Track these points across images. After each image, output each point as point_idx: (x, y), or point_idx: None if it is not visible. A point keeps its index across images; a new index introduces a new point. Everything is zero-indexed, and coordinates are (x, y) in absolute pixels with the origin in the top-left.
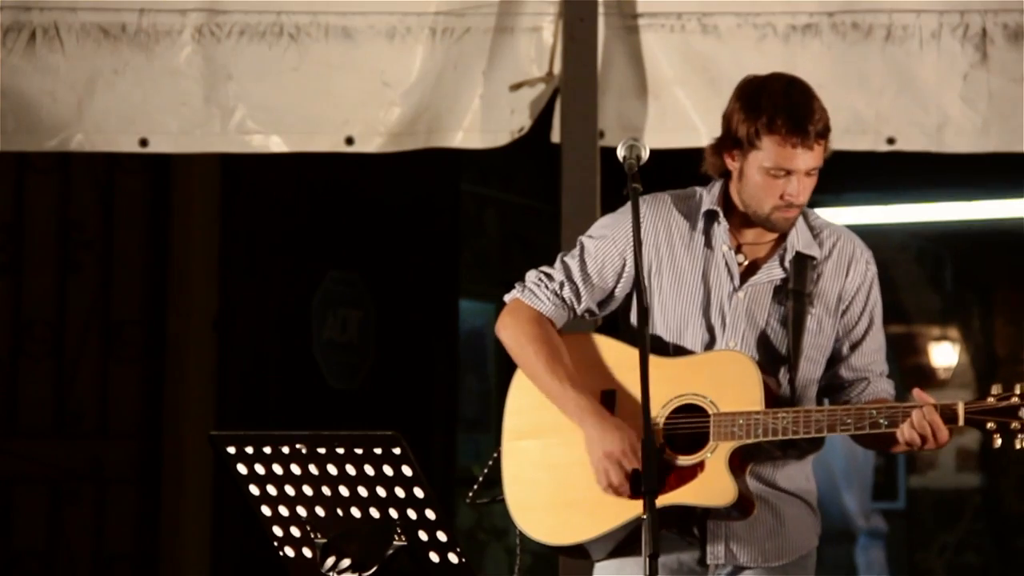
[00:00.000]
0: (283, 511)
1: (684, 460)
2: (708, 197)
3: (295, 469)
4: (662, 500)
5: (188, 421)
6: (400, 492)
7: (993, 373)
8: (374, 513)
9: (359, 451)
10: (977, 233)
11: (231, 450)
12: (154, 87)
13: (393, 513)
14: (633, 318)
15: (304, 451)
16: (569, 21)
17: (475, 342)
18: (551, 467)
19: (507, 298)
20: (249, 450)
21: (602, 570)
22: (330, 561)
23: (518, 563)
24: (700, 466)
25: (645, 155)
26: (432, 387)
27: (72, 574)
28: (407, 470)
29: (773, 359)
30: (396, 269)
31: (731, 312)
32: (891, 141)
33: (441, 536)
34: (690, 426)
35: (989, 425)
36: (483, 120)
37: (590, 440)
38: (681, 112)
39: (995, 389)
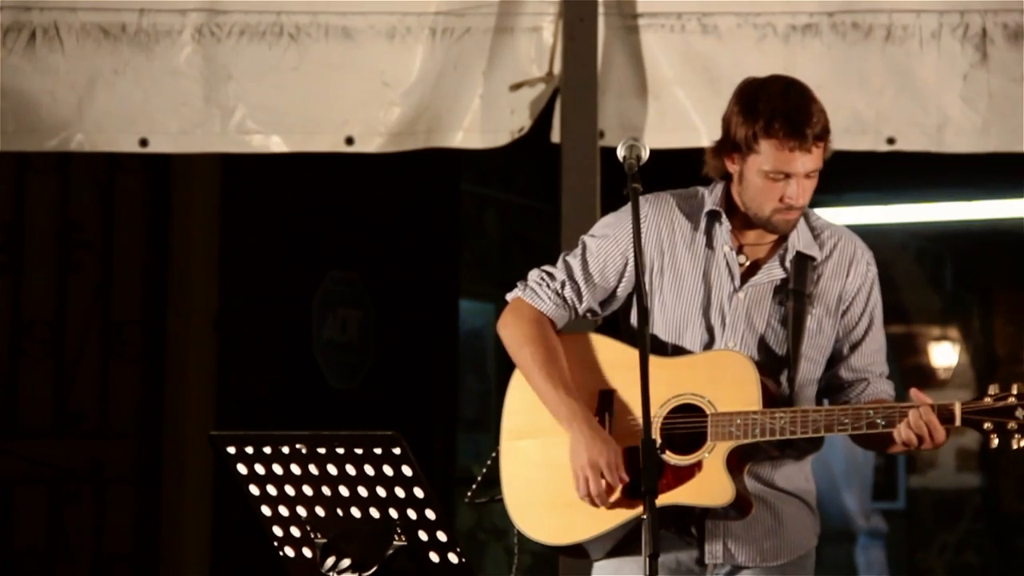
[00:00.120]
0: (283, 511)
1: (682, 460)
2: (710, 197)
3: (295, 469)
4: (660, 500)
5: (188, 421)
6: (400, 492)
7: (993, 373)
8: (374, 513)
9: (359, 451)
10: (977, 233)
11: (231, 450)
12: (154, 87)
13: (393, 513)
14: (633, 318)
15: (304, 451)
16: (569, 21)
17: (475, 342)
18: (550, 467)
19: (509, 297)
20: (249, 450)
21: (601, 570)
22: (330, 561)
23: (516, 563)
24: (698, 466)
25: (645, 155)
26: (432, 387)
27: (72, 574)
28: (407, 470)
29: (773, 359)
30: (396, 269)
31: (731, 312)
32: (891, 141)
33: (441, 536)
34: (688, 426)
35: (986, 425)
36: (483, 120)
37: (576, 445)
38: (681, 112)
39: (992, 389)
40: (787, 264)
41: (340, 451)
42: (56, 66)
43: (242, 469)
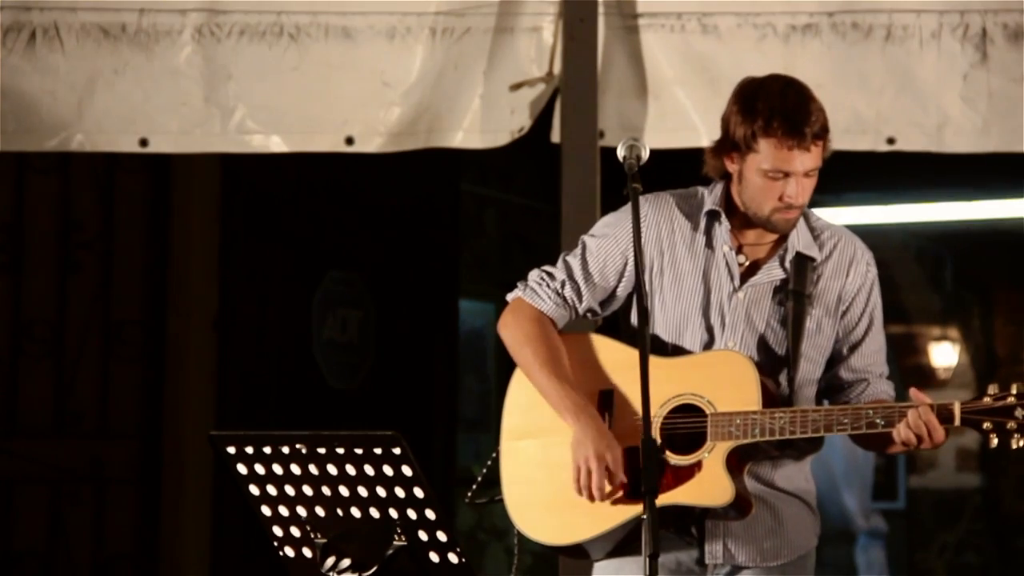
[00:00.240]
0: (283, 511)
1: (681, 460)
2: (710, 197)
3: (295, 469)
4: (660, 500)
5: (188, 421)
6: (400, 492)
7: (993, 373)
8: (374, 513)
9: (359, 451)
10: (977, 233)
11: (231, 450)
12: (154, 87)
13: (393, 513)
14: (633, 318)
15: (304, 451)
16: (569, 21)
17: (475, 342)
18: (550, 466)
19: (509, 297)
20: (249, 450)
21: (601, 570)
22: (330, 561)
23: (516, 563)
24: (698, 466)
25: (645, 155)
26: (432, 387)
27: (72, 574)
28: (407, 470)
29: (772, 359)
30: (396, 269)
31: (731, 312)
32: (891, 141)
33: (441, 536)
34: (687, 426)
35: (985, 425)
36: (483, 120)
37: (582, 437)
38: (681, 112)
39: (991, 389)
40: (787, 264)
41: (340, 451)
42: (56, 66)
43: (242, 469)
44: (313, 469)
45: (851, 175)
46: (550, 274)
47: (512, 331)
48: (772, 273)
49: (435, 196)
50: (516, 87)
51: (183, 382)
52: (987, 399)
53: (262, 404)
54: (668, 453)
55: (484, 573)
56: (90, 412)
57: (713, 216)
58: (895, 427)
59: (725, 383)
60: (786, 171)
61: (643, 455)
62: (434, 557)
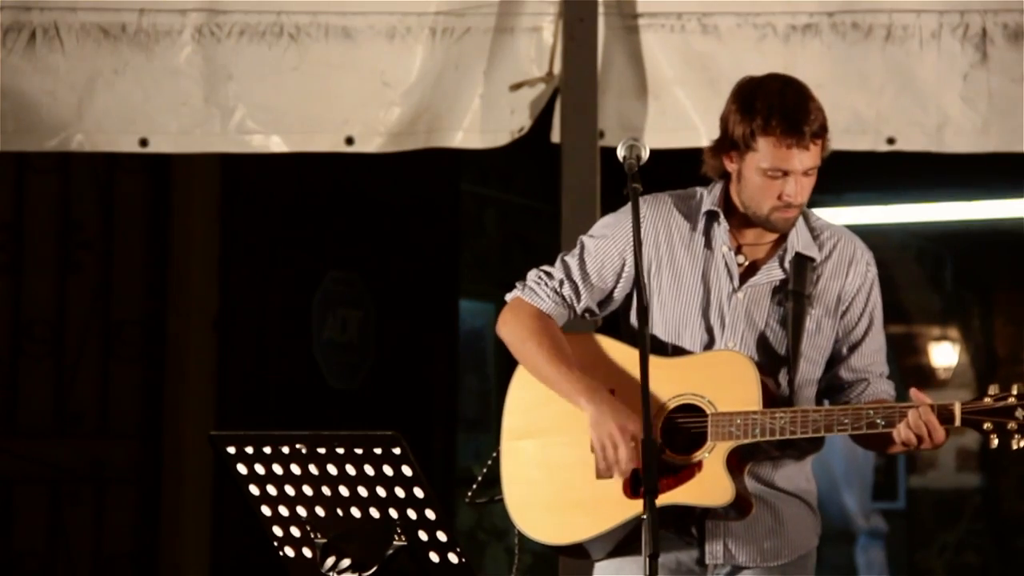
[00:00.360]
0: (283, 511)
1: (682, 460)
2: (709, 198)
3: (295, 469)
4: (660, 500)
5: (188, 421)
6: (400, 492)
7: (993, 373)
8: (374, 513)
9: (359, 451)
10: (977, 233)
11: (231, 450)
12: (154, 87)
13: (393, 513)
14: (633, 318)
15: (304, 451)
16: (569, 21)
17: (475, 342)
18: (550, 466)
19: (508, 297)
20: (249, 450)
21: (602, 570)
22: (330, 561)
23: (517, 563)
24: (698, 466)
25: (645, 155)
26: (432, 387)
27: (72, 574)
28: (407, 470)
29: (772, 360)
30: (396, 269)
31: (730, 313)
32: (891, 141)
33: (441, 536)
34: (688, 426)
35: (986, 425)
36: (483, 120)
37: (600, 416)
38: (681, 112)
39: (992, 389)
40: (786, 265)
41: (340, 451)
42: (56, 66)
43: (242, 469)
44: (313, 469)
45: (851, 175)
46: (548, 274)
47: (513, 328)
48: (771, 274)
49: (435, 196)
50: (516, 87)
51: (183, 382)
52: (988, 399)
53: (262, 404)
54: (668, 453)
55: (484, 573)
56: (90, 412)
57: (712, 216)
58: (896, 427)
59: (726, 383)
60: (785, 170)
61: (643, 455)
62: (434, 557)
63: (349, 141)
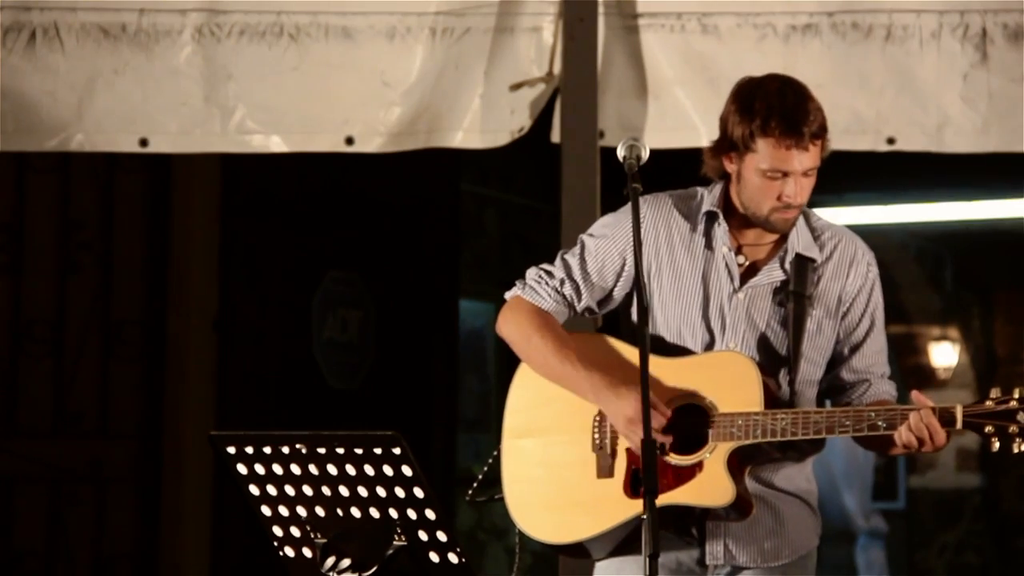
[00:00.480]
0: (283, 511)
1: (683, 460)
2: (709, 198)
3: (295, 469)
4: (660, 500)
5: (188, 421)
6: (400, 492)
7: (993, 373)
8: (374, 513)
9: (359, 451)
10: (977, 233)
11: (231, 450)
12: (154, 87)
13: (393, 513)
14: (634, 318)
15: (304, 451)
16: (569, 21)
17: (475, 342)
18: (551, 466)
19: (508, 295)
20: (249, 450)
21: (603, 570)
22: (330, 561)
23: (517, 563)
24: (699, 466)
25: (645, 155)
26: (432, 387)
27: (72, 574)
28: (407, 470)
29: (773, 360)
30: (396, 269)
31: (731, 313)
32: (891, 141)
33: (441, 536)
34: (689, 426)
35: (987, 429)
36: (483, 120)
37: (612, 414)
38: (681, 112)
39: (994, 392)
40: (787, 266)
41: (340, 451)
42: (56, 66)
43: (242, 469)
44: (313, 469)
45: (851, 175)
46: (549, 272)
47: (515, 326)
48: (772, 274)
49: (435, 196)
50: (516, 87)
51: (183, 382)
52: (989, 403)
53: (262, 404)
54: (669, 453)
55: (484, 573)
56: (90, 412)
57: (712, 217)
58: (897, 430)
59: (727, 384)
60: (784, 171)
61: (643, 455)
62: (434, 557)
63: (349, 141)
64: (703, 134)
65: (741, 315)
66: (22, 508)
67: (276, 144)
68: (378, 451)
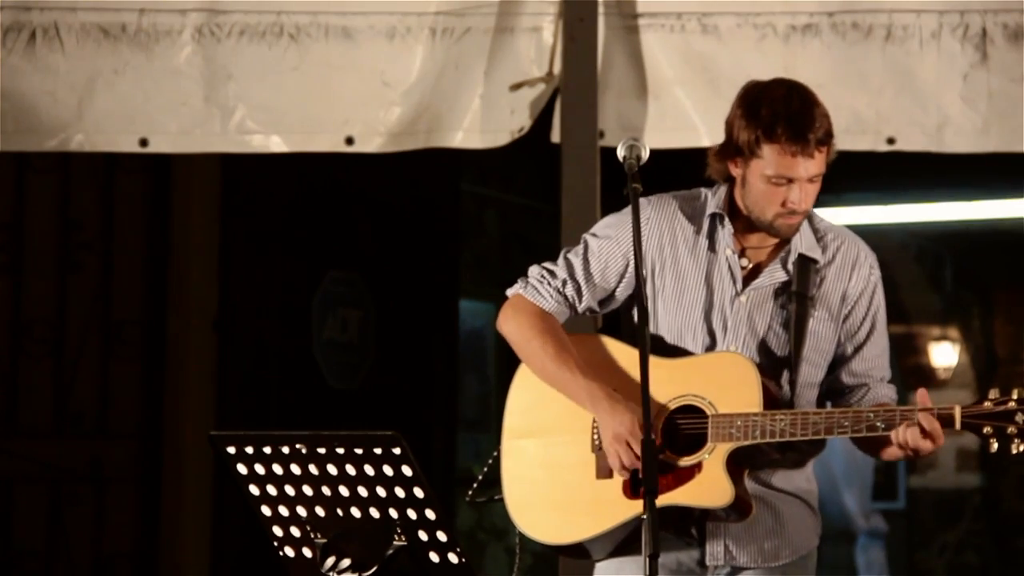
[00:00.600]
0: (283, 511)
1: (682, 461)
2: (713, 200)
3: (295, 469)
4: (660, 500)
5: (188, 421)
6: (400, 492)
7: (993, 373)
8: (374, 513)
9: (359, 451)
10: (977, 233)
11: (231, 450)
12: (154, 87)
13: (393, 513)
14: (634, 318)
15: (304, 451)
16: (569, 21)
17: (475, 342)
18: (551, 466)
19: (509, 292)
20: (249, 450)
21: (603, 570)
22: (330, 561)
23: (517, 563)
24: (698, 467)
25: (645, 155)
26: (432, 387)
27: (72, 574)
28: (407, 470)
29: (774, 361)
30: (396, 269)
31: (733, 316)
32: (891, 141)
33: (441, 536)
34: (689, 427)
35: (985, 430)
36: (483, 120)
37: (602, 426)
38: (681, 112)
39: (992, 393)
40: (789, 266)
41: (340, 451)
42: (56, 66)
43: (242, 469)
44: (313, 469)
45: (851, 175)
46: (551, 272)
47: (516, 326)
48: (774, 275)
49: (435, 196)
50: (516, 87)
51: (183, 382)
52: (988, 403)
53: (262, 404)
54: (669, 454)
55: (484, 573)
56: (90, 412)
57: (716, 219)
58: (895, 431)
59: (727, 385)
60: (789, 177)
61: (643, 455)
62: (434, 557)
63: (349, 141)
64: (703, 134)
65: (743, 318)
66: (22, 508)
67: (276, 144)
68: (378, 451)
